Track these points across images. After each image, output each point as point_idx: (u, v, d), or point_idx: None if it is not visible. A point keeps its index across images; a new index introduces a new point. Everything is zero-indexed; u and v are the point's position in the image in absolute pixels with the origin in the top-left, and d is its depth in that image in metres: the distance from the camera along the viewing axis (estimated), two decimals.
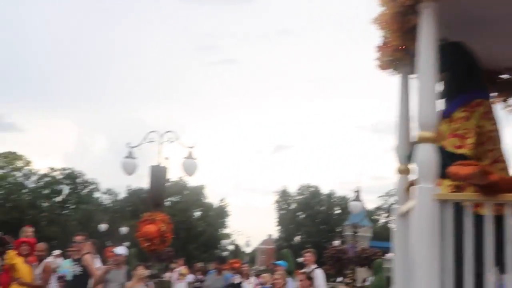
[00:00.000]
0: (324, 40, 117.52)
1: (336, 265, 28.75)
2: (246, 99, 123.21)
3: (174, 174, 64.91)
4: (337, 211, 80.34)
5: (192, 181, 71.93)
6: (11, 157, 74.97)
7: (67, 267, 10.33)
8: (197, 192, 76.60)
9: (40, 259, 9.60)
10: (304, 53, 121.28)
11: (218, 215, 79.77)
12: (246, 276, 13.74)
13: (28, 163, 75.97)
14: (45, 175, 74.89)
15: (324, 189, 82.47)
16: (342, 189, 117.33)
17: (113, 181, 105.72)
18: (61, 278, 10.94)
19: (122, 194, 77.32)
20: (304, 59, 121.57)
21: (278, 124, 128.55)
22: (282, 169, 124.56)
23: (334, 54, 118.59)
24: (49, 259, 10.88)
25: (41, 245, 9.81)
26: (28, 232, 11.02)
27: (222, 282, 9.61)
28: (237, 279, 12.53)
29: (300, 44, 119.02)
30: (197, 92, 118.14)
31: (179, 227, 49.14)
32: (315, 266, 10.75)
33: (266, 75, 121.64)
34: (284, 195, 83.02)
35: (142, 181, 48.73)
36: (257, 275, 19.06)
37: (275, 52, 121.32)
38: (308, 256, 10.98)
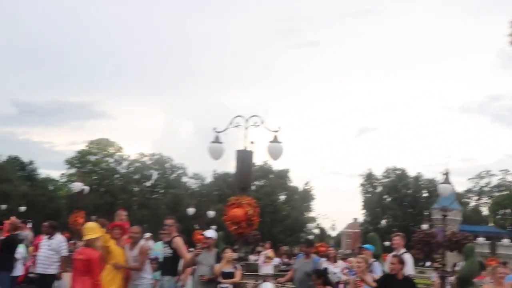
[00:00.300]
0: (407, 19, 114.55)
1: (424, 249, 28.07)
2: (329, 81, 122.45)
3: (259, 158, 65.47)
4: (425, 194, 78.47)
5: (276, 165, 72.48)
6: (104, 143, 78.03)
7: (158, 249, 10.62)
8: (282, 175, 76.90)
9: (135, 241, 9.93)
10: (387, 33, 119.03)
11: (303, 198, 79.85)
12: (333, 259, 13.68)
13: (119, 149, 78.85)
14: (135, 161, 77.40)
15: (411, 172, 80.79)
16: (430, 172, 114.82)
17: (199, 165, 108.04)
18: (154, 260, 11.29)
19: (209, 179, 78.84)
20: (387, 38, 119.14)
21: (363, 106, 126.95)
22: (367, 152, 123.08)
23: (418, 33, 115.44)
24: (141, 242, 11.20)
25: (136, 228, 10.09)
26: (122, 215, 11.47)
27: (310, 266, 9.57)
28: (324, 263, 12.51)
29: (383, 23, 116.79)
30: (280, 76, 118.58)
31: (264, 210, 49.61)
32: (404, 250, 10.57)
33: (350, 56, 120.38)
34: (369, 178, 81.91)
35: (228, 165, 49.54)
36: (343, 258, 18.96)
37: (357, 32, 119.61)
38: (396, 239, 10.80)
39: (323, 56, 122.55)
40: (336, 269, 12.97)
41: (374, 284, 8.73)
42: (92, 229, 8.92)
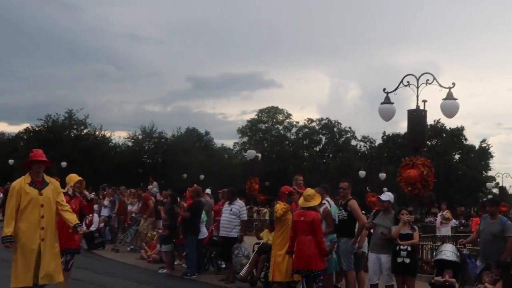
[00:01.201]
0: None
1: None
2: (502, 32, 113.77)
3: (431, 117, 63.05)
4: None
5: (450, 123, 69.41)
6: (273, 111, 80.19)
7: (334, 212, 10.75)
8: (456, 134, 73.59)
9: None
10: None
11: (479, 157, 75.78)
12: None
13: (288, 116, 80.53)
14: (304, 127, 78.55)
15: None
16: None
17: (367, 128, 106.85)
18: None
19: (378, 141, 77.79)
20: None
21: None
22: None
23: None
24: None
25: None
26: (299, 180, 11.83)
27: (497, 227, 8.99)
28: None
29: None
30: (450, 30, 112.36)
31: (438, 171, 47.94)
32: None
33: None
34: None
35: (397, 126, 48.40)
36: None
37: None
38: None
39: (494, 6, 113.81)
40: None
41: None
42: (313, 196, 9.42)
